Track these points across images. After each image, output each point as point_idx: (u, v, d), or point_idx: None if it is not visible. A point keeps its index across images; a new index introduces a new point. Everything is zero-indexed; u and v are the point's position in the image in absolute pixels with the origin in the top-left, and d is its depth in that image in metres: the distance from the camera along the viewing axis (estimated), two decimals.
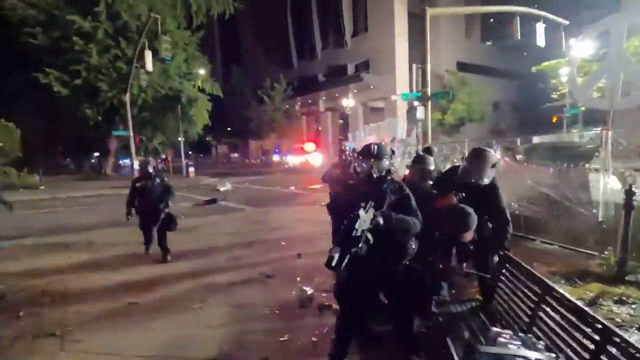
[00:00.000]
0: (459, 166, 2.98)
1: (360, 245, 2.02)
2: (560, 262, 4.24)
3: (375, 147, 2.34)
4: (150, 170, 5.20)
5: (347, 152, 4.71)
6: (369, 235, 2.06)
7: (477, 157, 2.71)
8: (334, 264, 2.00)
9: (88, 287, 4.34)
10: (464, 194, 2.66)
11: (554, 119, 18.60)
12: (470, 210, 2.41)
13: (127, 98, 15.46)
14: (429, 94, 7.50)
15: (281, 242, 6.19)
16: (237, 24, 43.15)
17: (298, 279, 4.39)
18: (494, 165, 2.71)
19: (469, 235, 2.47)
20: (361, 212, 2.06)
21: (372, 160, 2.27)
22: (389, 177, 2.28)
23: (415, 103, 9.05)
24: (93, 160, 29.85)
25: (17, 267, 5.10)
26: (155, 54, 14.25)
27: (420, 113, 7.16)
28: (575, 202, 4.12)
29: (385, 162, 2.29)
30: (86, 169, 29.11)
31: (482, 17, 34.45)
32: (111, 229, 7.56)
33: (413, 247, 2.28)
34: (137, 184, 5.20)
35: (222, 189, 14.78)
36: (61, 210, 11.10)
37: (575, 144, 5.00)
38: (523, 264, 2.30)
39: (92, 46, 18.07)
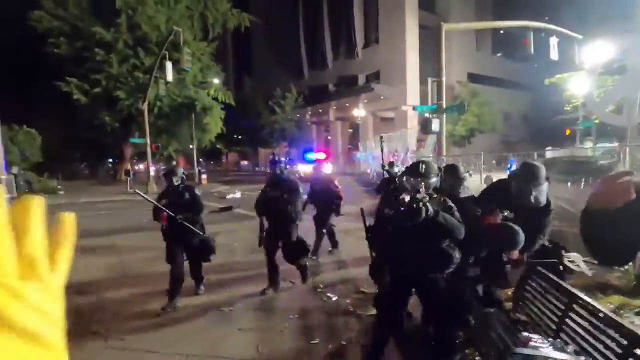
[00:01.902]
0: (505, 181, 2.77)
1: (422, 215, 2.12)
2: (580, 275, 4.31)
3: (423, 165, 2.43)
4: (177, 181, 4.01)
5: (282, 165, 4.28)
6: (430, 207, 2.15)
7: (535, 177, 2.45)
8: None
9: (119, 289, 4.54)
10: (514, 213, 2.53)
11: (567, 132, 18.56)
12: (518, 228, 2.35)
13: (144, 106, 15.91)
14: (444, 107, 7.68)
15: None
16: (249, 34, 44.05)
17: (321, 285, 4.53)
18: (547, 179, 2.53)
19: (515, 253, 2.47)
20: (422, 190, 2.21)
21: (420, 178, 2.35)
22: (433, 194, 2.37)
23: (426, 114, 9.19)
24: (109, 166, 30.47)
25: None
26: (173, 64, 14.79)
27: (435, 125, 7.32)
28: None
29: (433, 180, 2.40)
30: (101, 174, 29.74)
31: (492, 29, 34.71)
32: (133, 233, 7.80)
33: (457, 256, 2.31)
34: (163, 201, 4.00)
35: (229, 196, 14.96)
36: (81, 215, 11.39)
37: (593, 159, 5.08)
38: (549, 274, 2.42)
39: (113, 56, 18.69)
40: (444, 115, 7.35)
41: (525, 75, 32.19)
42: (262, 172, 39.82)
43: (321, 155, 29.82)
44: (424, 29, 29.78)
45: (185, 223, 3.90)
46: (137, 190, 4.11)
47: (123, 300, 4.15)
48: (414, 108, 11.41)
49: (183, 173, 4.17)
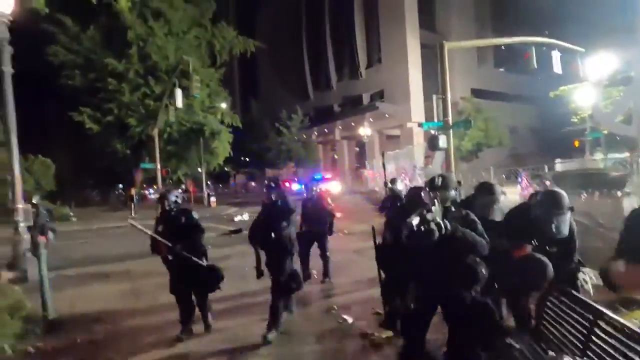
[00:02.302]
0: (524, 207, 2.68)
1: (435, 236, 2.08)
2: (600, 289, 4.21)
3: (440, 178, 2.46)
4: (169, 206, 3.74)
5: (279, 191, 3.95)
6: (443, 224, 2.10)
7: (558, 205, 2.36)
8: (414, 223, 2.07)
9: (134, 316, 4.54)
10: (537, 242, 2.47)
11: (576, 143, 18.45)
12: (547, 261, 2.31)
13: (155, 133, 16.31)
14: (450, 123, 7.76)
15: (312, 270, 6.29)
16: (255, 58, 45.41)
17: (335, 307, 4.48)
18: (571, 209, 2.42)
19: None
20: (436, 206, 2.17)
21: (438, 191, 2.37)
22: (451, 206, 2.37)
23: (433, 131, 9.25)
24: (119, 192, 30.91)
25: (65, 297, 5.36)
26: (183, 91, 15.25)
27: (442, 142, 7.39)
28: (611, 229, 4.14)
29: (451, 193, 2.41)
30: (112, 200, 30.13)
31: (494, 45, 35.21)
32: (145, 258, 7.80)
33: (483, 272, 2.26)
34: (159, 227, 3.81)
35: (237, 219, 14.97)
36: (95, 241, 11.55)
37: (604, 171, 5.05)
38: (572, 291, 2.38)
39: (124, 85, 19.36)
40: (451, 132, 7.42)
41: (530, 88, 32.33)
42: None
43: (328, 175, 29.85)
44: (425, 48, 30.38)
45: (184, 253, 3.61)
46: (132, 222, 3.88)
47: (138, 328, 4.15)
48: (420, 125, 11.53)
49: (176, 196, 3.85)
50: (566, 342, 2.22)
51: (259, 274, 3.79)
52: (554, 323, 2.41)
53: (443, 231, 2.12)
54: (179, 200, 3.89)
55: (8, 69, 5.78)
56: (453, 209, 2.40)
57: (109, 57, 19.15)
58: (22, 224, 5.78)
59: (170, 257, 3.71)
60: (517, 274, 2.33)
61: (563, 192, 2.46)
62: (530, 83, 32.33)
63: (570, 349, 2.15)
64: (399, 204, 4.91)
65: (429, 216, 2.14)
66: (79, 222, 16.48)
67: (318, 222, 5.53)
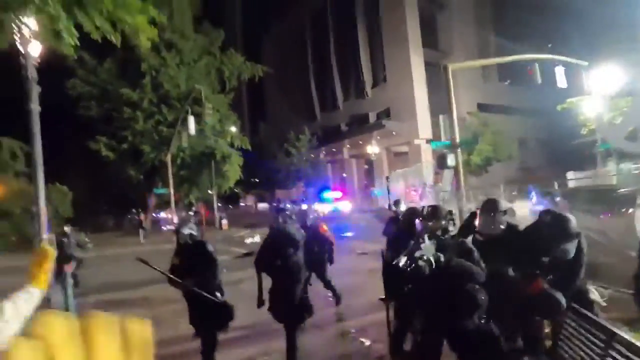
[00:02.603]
0: (537, 227, 2.70)
1: (423, 271, 2.16)
2: (618, 307, 4.18)
3: (430, 209, 2.61)
4: (183, 239, 3.70)
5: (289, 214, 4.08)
6: (433, 259, 2.18)
7: (567, 231, 2.43)
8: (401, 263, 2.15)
9: (155, 344, 4.62)
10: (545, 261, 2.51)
11: (589, 154, 18.30)
12: (561, 297, 2.33)
13: (169, 159, 16.77)
14: (458, 142, 7.89)
15: (327, 294, 6.32)
16: (262, 81, 46.64)
17: (352, 330, 4.51)
18: (578, 235, 2.46)
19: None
20: (426, 242, 2.25)
21: (429, 222, 2.51)
22: (447, 235, 2.49)
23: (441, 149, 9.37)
24: (132, 217, 31.44)
25: None
26: (195, 117, 15.80)
27: (451, 160, 7.50)
28: (625, 246, 4.15)
29: (442, 222, 2.53)
30: (126, 226, 30.58)
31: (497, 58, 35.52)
32: (163, 284, 7.93)
33: (483, 298, 2.32)
34: (175, 260, 3.75)
35: (249, 241, 15.03)
36: (112, 267, 11.75)
37: (614, 187, 5.07)
38: (586, 311, 2.43)
39: (139, 113, 20.08)
40: (459, 150, 7.55)
41: (537, 100, 32.29)
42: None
43: (338, 194, 29.97)
44: (429, 65, 30.87)
45: (195, 289, 3.49)
46: (141, 259, 3.71)
47: (161, 358, 4.22)
48: (428, 141, 11.67)
49: (191, 229, 3.75)
50: None
51: (259, 304, 3.77)
52: (569, 343, 2.45)
53: (433, 266, 2.18)
54: (194, 232, 3.81)
55: (36, 107, 6.15)
56: (447, 238, 2.48)
57: (124, 87, 19.98)
58: None
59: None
60: (531, 308, 2.38)
61: (571, 217, 2.52)
62: (537, 95, 32.32)
63: None
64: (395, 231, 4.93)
65: (417, 253, 2.21)
66: (95, 248, 16.71)
67: (314, 251, 5.26)
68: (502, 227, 2.75)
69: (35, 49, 6.13)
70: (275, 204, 4.23)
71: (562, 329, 2.50)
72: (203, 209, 29.88)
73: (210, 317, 3.61)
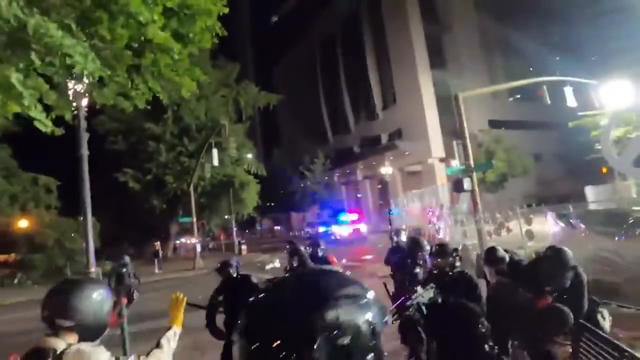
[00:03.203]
0: (538, 261, 2.88)
1: (410, 310, 2.36)
2: (635, 324, 4.35)
3: (437, 247, 2.96)
4: (234, 273, 3.72)
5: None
6: (423, 307, 2.38)
7: (563, 264, 2.62)
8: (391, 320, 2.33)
9: None
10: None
11: (604, 170, 18.18)
12: (568, 310, 2.47)
13: (191, 189, 17.52)
14: (472, 166, 8.22)
15: None
16: (275, 108, 48.13)
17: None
18: (574, 268, 2.65)
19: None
20: (419, 289, 2.48)
21: (439, 258, 2.82)
22: (455, 271, 2.76)
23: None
24: (155, 245, 32.19)
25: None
26: (214, 147, 16.64)
27: (467, 184, 7.81)
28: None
29: (449, 259, 2.81)
30: (147, 254, 31.27)
31: (506, 75, 35.99)
32: (194, 311, 8.32)
33: (483, 330, 2.51)
34: (219, 299, 3.67)
35: (269, 266, 15.10)
36: (141, 296, 12.18)
37: (629, 211, 5.27)
38: (599, 331, 2.71)
39: (162, 146, 21.11)
40: (474, 174, 7.87)
41: (549, 114, 32.37)
42: (298, 237, 40.49)
43: (354, 216, 30.08)
44: (438, 85, 31.49)
45: None
46: (189, 302, 3.69)
47: None
48: (441, 160, 12.00)
49: (237, 262, 3.77)
50: None
51: None
52: None
53: (424, 311, 2.37)
54: (239, 266, 3.83)
55: (85, 152, 6.82)
56: (452, 275, 2.75)
57: (147, 122, 21.12)
58: None
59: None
60: (539, 322, 2.56)
61: (568, 251, 2.73)
62: (549, 110, 32.35)
63: None
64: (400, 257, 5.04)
65: (408, 303, 2.38)
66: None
67: None
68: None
69: (84, 100, 6.88)
70: (288, 246, 4.19)
71: (579, 352, 2.75)
72: (222, 235, 30.45)
73: None
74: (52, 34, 3.15)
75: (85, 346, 1.45)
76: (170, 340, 1.86)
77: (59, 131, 4.26)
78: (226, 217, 25.82)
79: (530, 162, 28.08)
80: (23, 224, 18.72)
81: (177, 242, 31.84)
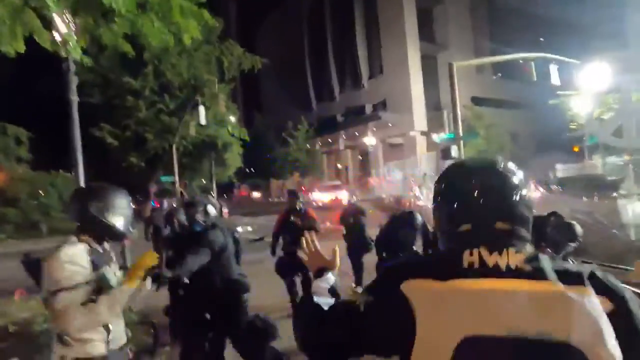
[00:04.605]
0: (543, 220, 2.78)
1: None
2: None
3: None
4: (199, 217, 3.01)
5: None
6: None
7: (574, 237, 2.57)
8: None
9: None
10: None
11: (575, 149, 19.32)
12: None
13: (174, 147, 17.15)
14: (461, 135, 8.55)
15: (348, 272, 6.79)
16: (257, 72, 46.57)
17: None
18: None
19: None
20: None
21: None
22: None
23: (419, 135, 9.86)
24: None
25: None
26: (196, 107, 16.20)
27: (454, 152, 8.16)
28: (609, 225, 4.87)
29: None
30: None
31: (491, 52, 36.28)
32: None
33: None
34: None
35: (241, 230, 15.34)
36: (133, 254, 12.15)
37: (602, 176, 5.75)
38: None
39: (141, 102, 20.27)
40: (462, 142, 8.22)
41: (528, 95, 33.27)
42: (277, 203, 40.74)
43: (336, 182, 30.36)
44: (425, 58, 31.44)
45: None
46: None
47: None
48: (423, 133, 12.33)
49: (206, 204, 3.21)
50: None
51: None
52: None
53: None
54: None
55: (75, 98, 6.55)
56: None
57: (125, 76, 20.09)
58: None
59: None
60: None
61: (577, 225, 2.67)
62: (529, 90, 33.27)
63: None
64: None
65: None
66: None
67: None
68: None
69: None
70: (288, 190, 5.23)
71: None
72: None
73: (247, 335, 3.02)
74: None
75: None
76: (104, 302, 1.64)
77: (88, 60, 4.20)
78: (204, 181, 25.51)
79: (507, 140, 29.13)
80: None
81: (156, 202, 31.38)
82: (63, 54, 6.11)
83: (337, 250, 1.22)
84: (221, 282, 2.93)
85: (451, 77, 8.67)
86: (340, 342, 0.86)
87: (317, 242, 1.24)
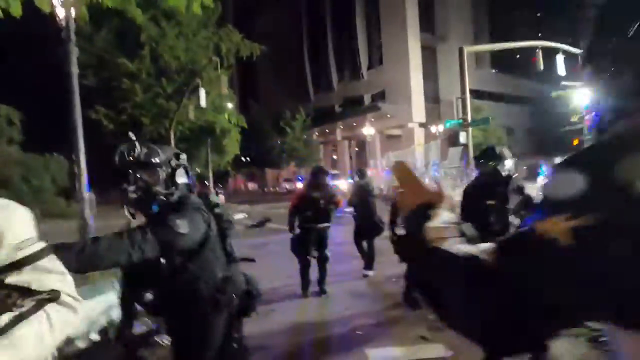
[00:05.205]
0: None
1: None
2: None
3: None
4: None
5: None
6: None
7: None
8: None
9: None
10: None
11: (575, 142, 19.39)
12: None
13: (171, 131, 16.80)
14: (469, 121, 8.46)
15: (345, 256, 6.67)
16: (254, 60, 45.84)
17: (393, 279, 5.07)
18: None
19: None
20: None
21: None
22: None
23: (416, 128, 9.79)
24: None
25: None
26: (194, 91, 15.83)
27: (463, 138, 8.08)
28: None
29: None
30: (113, 198, 30.34)
31: (490, 45, 36.03)
32: None
33: None
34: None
35: (237, 217, 15.30)
36: None
37: None
38: None
39: (137, 85, 19.78)
40: (470, 129, 8.13)
41: (526, 88, 33.34)
42: (272, 192, 40.54)
43: (335, 171, 30.30)
44: (425, 50, 31.22)
45: None
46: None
47: None
48: (421, 125, 12.25)
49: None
50: None
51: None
52: None
53: None
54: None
55: (75, 70, 6.29)
56: None
57: (121, 58, 19.56)
58: (87, 211, 6.28)
59: None
60: None
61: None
62: (527, 84, 33.36)
63: None
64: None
65: None
66: (98, 218, 16.81)
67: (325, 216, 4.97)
68: None
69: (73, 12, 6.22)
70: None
71: None
72: (198, 186, 29.93)
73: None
74: None
75: None
76: None
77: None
78: (198, 170, 25.13)
79: (503, 133, 29.21)
80: None
81: None
82: (61, 16, 5.85)
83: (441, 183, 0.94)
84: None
85: (461, 62, 8.54)
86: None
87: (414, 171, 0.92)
